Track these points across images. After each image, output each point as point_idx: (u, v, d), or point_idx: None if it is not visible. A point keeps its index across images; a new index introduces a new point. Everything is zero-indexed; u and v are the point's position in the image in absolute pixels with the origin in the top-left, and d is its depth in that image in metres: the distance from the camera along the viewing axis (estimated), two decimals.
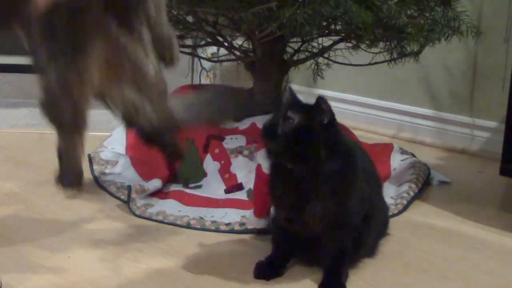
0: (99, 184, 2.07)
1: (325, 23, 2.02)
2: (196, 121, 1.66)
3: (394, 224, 1.78)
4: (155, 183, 1.97)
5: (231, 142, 2.09)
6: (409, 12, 2.01)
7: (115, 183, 2.05)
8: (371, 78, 2.74)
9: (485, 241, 1.77)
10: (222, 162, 2.05)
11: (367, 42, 2.09)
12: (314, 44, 2.35)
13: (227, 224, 1.79)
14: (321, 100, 1.42)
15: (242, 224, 1.78)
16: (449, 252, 1.70)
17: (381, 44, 2.13)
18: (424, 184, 2.10)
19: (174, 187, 2.02)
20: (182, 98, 1.75)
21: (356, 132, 2.41)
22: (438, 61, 2.56)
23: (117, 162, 2.18)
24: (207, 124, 1.67)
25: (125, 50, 1.40)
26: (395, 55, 2.16)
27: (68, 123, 1.42)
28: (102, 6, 1.34)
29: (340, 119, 2.46)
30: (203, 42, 2.42)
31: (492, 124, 2.49)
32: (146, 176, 2.05)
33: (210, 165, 2.05)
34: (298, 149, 1.41)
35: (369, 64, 2.26)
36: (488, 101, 2.49)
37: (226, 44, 2.30)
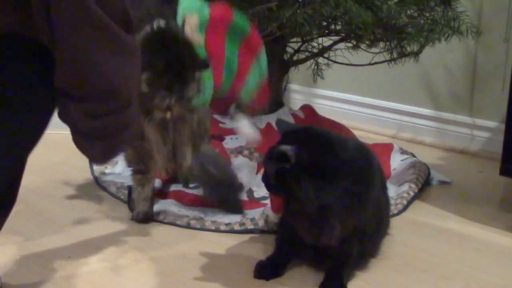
0: (99, 184, 2.07)
1: (325, 23, 2.02)
2: None
3: (394, 224, 1.78)
4: (155, 183, 1.97)
5: (231, 142, 2.09)
6: (409, 12, 2.01)
7: (115, 183, 2.05)
8: (371, 78, 2.74)
9: (485, 241, 1.77)
10: None
11: (367, 42, 2.09)
12: (314, 44, 2.35)
13: (227, 224, 1.79)
14: (288, 143, 1.41)
15: (242, 224, 1.78)
16: (449, 252, 1.70)
17: (381, 44, 2.13)
18: (424, 184, 2.10)
19: (174, 187, 2.02)
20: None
21: (356, 132, 2.41)
22: (438, 61, 2.56)
23: (117, 162, 2.18)
24: None
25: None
26: (395, 55, 2.16)
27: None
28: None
29: (340, 119, 2.49)
30: None
31: (492, 124, 2.49)
32: None
33: None
34: (288, 193, 1.44)
35: (369, 64, 2.26)
36: (488, 101, 2.49)
37: None
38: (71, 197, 1.98)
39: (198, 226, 1.79)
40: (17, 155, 1.21)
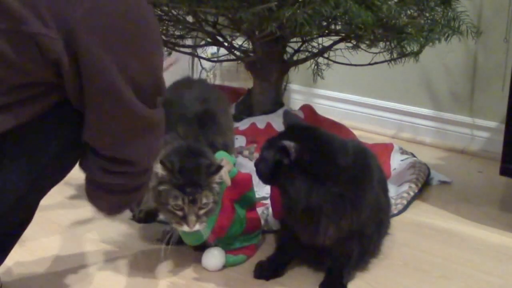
0: None
1: (325, 23, 2.02)
2: None
3: (394, 224, 1.78)
4: None
5: None
6: (409, 12, 2.01)
7: None
8: (371, 78, 2.74)
9: (485, 241, 1.77)
10: None
11: (367, 42, 2.09)
12: (314, 44, 2.35)
13: None
14: (293, 139, 1.40)
15: None
16: (449, 252, 1.70)
17: (381, 44, 2.13)
18: (424, 184, 2.10)
19: None
20: None
21: (356, 132, 2.41)
22: (438, 61, 2.56)
23: None
24: None
25: None
26: (395, 55, 2.16)
27: None
28: None
29: (340, 119, 2.49)
30: (203, 42, 2.42)
31: (492, 124, 2.49)
32: None
33: None
34: (280, 187, 1.45)
35: (369, 64, 2.26)
36: (488, 101, 2.48)
37: (226, 44, 2.30)
38: (71, 197, 1.98)
39: None
40: (37, 198, 1.26)
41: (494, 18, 2.39)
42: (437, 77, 2.61)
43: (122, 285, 1.52)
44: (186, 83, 1.93)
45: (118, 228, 1.79)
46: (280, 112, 2.25)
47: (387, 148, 2.30)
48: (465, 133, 2.56)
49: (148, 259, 1.62)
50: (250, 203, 1.63)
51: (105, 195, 1.26)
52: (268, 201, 1.77)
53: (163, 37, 2.25)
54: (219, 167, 1.49)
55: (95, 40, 1.06)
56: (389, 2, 1.94)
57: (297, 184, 1.38)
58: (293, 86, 2.99)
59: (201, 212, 1.47)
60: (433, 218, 1.90)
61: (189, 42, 2.48)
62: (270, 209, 1.73)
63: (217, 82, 3.10)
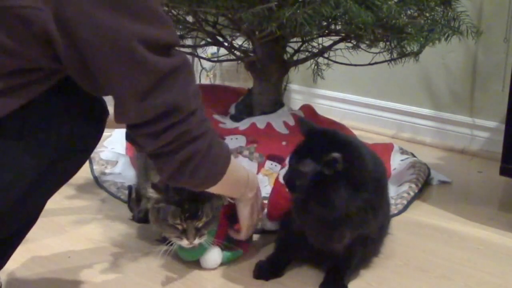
0: (99, 184, 2.07)
1: (325, 23, 2.02)
2: None
3: (394, 224, 1.78)
4: None
5: (231, 142, 2.09)
6: (409, 12, 2.01)
7: (115, 183, 2.05)
8: (371, 78, 2.74)
9: (485, 241, 1.77)
10: None
11: (367, 42, 2.09)
12: (314, 44, 2.34)
13: None
14: (334, 149, 1.36)
15: None
16: (449, 252, 1.70)
17: (381, 44, 2.13)
18: (424, 184, 2.10)
19: None
20: None
21: (356, 132, 2.41)
22: (438, 61, 2.56)
23: (117, 162, 2.18)
24: None
25: None
26: (395, 55, 2.16)
27: None
28: None
29: (340, 119, 2.49)
30: (203, 42, 2.42)
31: (492, 124, 2.49)
32: None
33: None
34: (319, 198, 1.39)
35: (369, 64, 2.26)
36: (488, 101, 2.49)
37: (226, 44, 2.30)
38: (71, 197, 1.98)
39: None
40: (41, 202, 1.25)
41: (494, 18, 2.39)
42: (437, 77, 2.61)
43: (122, 285, 1.52)
44: None
45: (118, 228, 1.79)
46: (280, 112, 2.25)
47: (387, 148, 2.31)
48: (465, 133, 2.57)
49: (147, 259, 1.62)
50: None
51: (165, 160, 1.17)
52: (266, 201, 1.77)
53: None
54: None
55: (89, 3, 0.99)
56: (389, 2, 1.94)
57: (341, 194, 1.36)
58: (293, 86, 2.99)
59: (200, 225, 1.47)
60: (433, 218, 1.90)
61: (189, 42, 2.48)
62: (266, 210, 1.71)
63: (217, 82, 3.10)
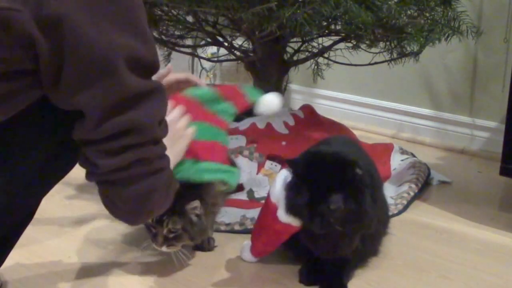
0: None
1: (325, 23, 2.02)
2: None
3: (394, 224, 1.78)
4: None
5: (231, 142, 2.09)
6: (409, 12, 2.01)
7: None
8: (371, 78, 2.74)
9: (485, 241, 1.77)
10: None
11: (367, 42, 2.09)
12: (314, 44, 2.35)
13: (227, 224, 1.79)
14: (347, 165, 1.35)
15: (242, 224, 1.78)
16: (449, 252, 1.70)
17: (381, 44, 2.13)
18: (424, 184, 2.10)
19: None
20: None
21: (356, 132, 2.41)
22: (438, 61, 2.56)
23: None
24: None
25: None
26: (395, 55, 2.16)
27: None
28: None
29: (340, 119, 2.49)
30: (203, 42, 2.42)
31: (492, 124, 2.49)
32: None
33: None
34: (355, 216, 1.36)
35: (369, 64, 2.26)
36: (488, 101, 2.49)
37: (226, 44, 2.30)
38: (71, 197, 1.98)
39: None
40: (35, 200, 1.24)
41: (494, 18, 2.39)
42: (437, 77, 2.61)
43: (122, 285, 1.52)
44: None
45: (118, 228, 1.79)
46: (280, 112, 2.25)
47: (388, 148, 2.31)
48: (465, 133, 2.57)
49: (147, 259, 1.62)
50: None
51: (121, 191, 1.11)
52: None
53: (163, 37, 2.25)
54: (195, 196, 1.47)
55: (71, 3, 0.96)
56: (389, 2, 1.94)
57: (368, 199, 1.36)
58: (293, 86, 2.99)
59: (171, 236, 1.48)
60: (433, 218, 1.90)
61: (189, 42, 2.48)
62: (247, 247, 1.60)
63: (217, 82, 3.10)
